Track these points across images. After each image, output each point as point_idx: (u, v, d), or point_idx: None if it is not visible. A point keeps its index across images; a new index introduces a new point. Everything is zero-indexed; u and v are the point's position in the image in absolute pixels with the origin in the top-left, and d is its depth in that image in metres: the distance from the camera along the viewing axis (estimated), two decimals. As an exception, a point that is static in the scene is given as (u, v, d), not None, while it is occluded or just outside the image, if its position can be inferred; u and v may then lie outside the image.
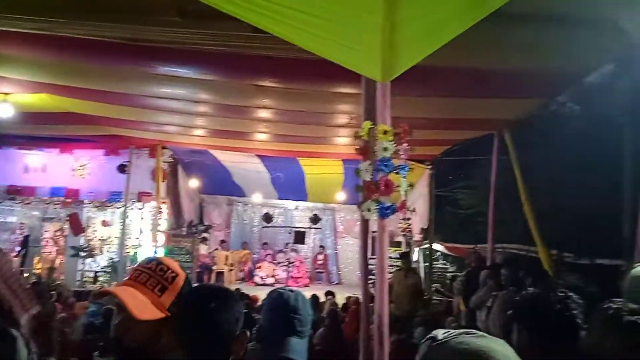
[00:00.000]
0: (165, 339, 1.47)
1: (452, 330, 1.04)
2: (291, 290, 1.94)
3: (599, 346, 2.38)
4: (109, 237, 12.42)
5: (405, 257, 9.46)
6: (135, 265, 1.70)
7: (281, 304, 1.86)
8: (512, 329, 1.90)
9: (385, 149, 2.87)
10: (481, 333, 1.02)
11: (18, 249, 11.82)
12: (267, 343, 1.84)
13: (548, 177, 11.10)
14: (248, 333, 1.53)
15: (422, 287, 9.23)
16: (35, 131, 10.14)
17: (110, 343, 1.60)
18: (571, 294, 1.83)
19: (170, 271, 1.63)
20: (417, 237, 12.05)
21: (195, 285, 1.71)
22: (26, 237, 11.85)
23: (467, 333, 1.02)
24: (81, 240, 12.00)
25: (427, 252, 11.52)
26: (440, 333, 1.05)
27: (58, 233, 12.53)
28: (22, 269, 11.19)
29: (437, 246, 12.16)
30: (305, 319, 1.86)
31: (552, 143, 11.48)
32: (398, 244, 12.25)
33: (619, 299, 2.49)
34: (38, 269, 11.90)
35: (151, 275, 1.60)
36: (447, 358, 0.99)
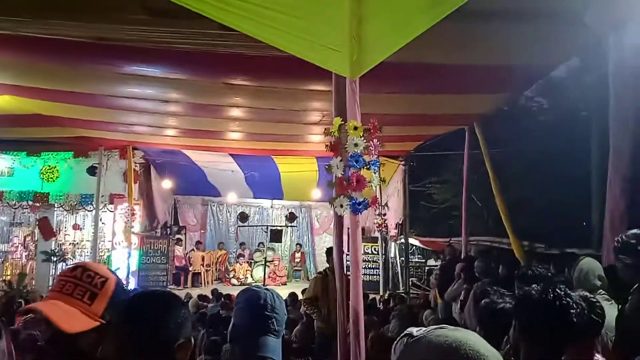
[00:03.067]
0: (102, 348, 1.39)
1: (426, 327, 1.03)
2: (266, 289, 1.88)
3: None
4: (82, 241, 12.16)
5: (329, 253, 6.20)
6: (59, 274, 1.59)
7: (257, 303, 1.80)
8: (512, 325, 1.94)
9: (355, 145, 2.88)
10: (454, 327, 1.01)
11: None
12: (243, 343, 1.78)
13: (518, 170, 11.32)
14: (193, 340, 1.44)
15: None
16: (0, 134, 9.85)
17: None
18: (570, 292, 1.86)
19: (98, 276, 1.54)
20: (393, 232, 12.14)
21: (134, 291, 1.60)
22: None
23: (441, 328, 1.00)
24: (52, 245, 11.73)
25: (403, 247, 11.63)
26: (414, 330, 1.04)
27: (28, 238, 12.22)
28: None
29: (412, 240, 12.26)
30: (281, 317, 1.82)
31: (521, 136, 11.71)
32: (374, 240, 12.33)
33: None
34: (7, 275, 11.58)
35: (77, 284, 1.50)
36: (426, 353, 0.96)
